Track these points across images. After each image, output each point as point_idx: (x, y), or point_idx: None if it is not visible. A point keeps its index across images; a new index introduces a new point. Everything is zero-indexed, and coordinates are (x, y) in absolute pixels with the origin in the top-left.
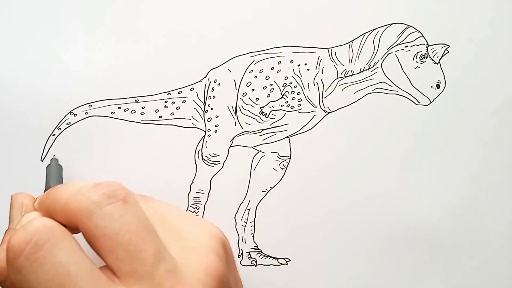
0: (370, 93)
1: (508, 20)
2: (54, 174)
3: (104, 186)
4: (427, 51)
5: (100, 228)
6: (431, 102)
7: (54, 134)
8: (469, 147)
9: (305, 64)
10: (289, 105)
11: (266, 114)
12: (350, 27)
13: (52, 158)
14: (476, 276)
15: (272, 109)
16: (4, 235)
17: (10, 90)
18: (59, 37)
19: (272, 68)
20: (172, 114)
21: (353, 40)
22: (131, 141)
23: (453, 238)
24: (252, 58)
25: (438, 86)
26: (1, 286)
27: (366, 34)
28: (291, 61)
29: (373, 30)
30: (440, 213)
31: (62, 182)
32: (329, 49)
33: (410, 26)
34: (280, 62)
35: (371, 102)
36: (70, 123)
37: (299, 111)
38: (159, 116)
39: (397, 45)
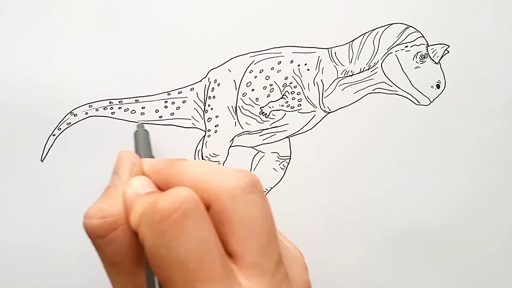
0: (370, 93)
1: (508, 20)
2: (143, 140)
3: (248, 174)
4: (427, 51)
5: (239, 212)
6: (431, 102)
7: (54, 134)
8: (469, 147)
9: (305, 64)
10: (289, 105)
11: (266, 114)
12: (350, 27)
13: (138, 124)
14: (476, 275)
15: (272, 109)
16: (106, 189)
17: (11, 90)
18: (59, 37)
19: (272, 68)
20: (172, 114)
21: (353, 40)
22: (131, 141)
23: (453, 238)
24: (252, 58)
25: (438, 86)
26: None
27: (366, 34)
28: (291, 61)
29: (373, 30)
30: (440, 212)
31: (150, 148)
32: (329, 49)
33: (410, 26)
34: (280, 62)
35: (371, 102)
36: (70, 123)
37: (299, 111)
38: (159, 116)
39: (397, 45)
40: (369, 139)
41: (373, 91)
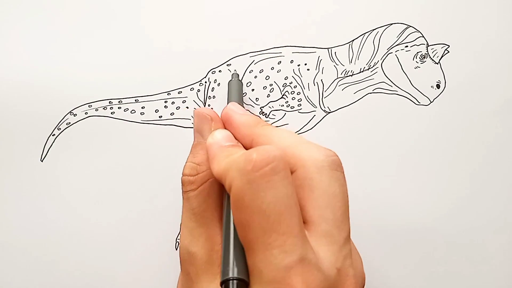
0: (370, 93)
1: (508, 20)
2: (235, 91)
3: (335, 154)
4: (427, 51)
5: (323, 183)
6: (431, 102)
7: (54, 134)
8: (469, 147)
9: (305, 64)
10: (289, 105)
11: (266, 114)
12: (350, 27)
13: (233, 73)
14: (476, 275)
15: (272, 109)
16: (193, 147)
17: (10, 90)
18: (59, 37)
19: (272, 68)
20: (172, 114)
21: (353, 40)
22: (131, 141)
23: (453, 238)
24: (252, 58)
25: (438, 86)
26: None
27: (366, 34)
28: (291, 61)
29: (373, 30)
30: (440, 212)
31: (242, 99)
32: (329, 49)
33: (410, 26)
34: (280, 62)
35: (371, 102)
36: (70, 123)
37: (299, 111)
38: (159, 116)
39: (397, 45)
40: (369, 139)
41: (373, 91)
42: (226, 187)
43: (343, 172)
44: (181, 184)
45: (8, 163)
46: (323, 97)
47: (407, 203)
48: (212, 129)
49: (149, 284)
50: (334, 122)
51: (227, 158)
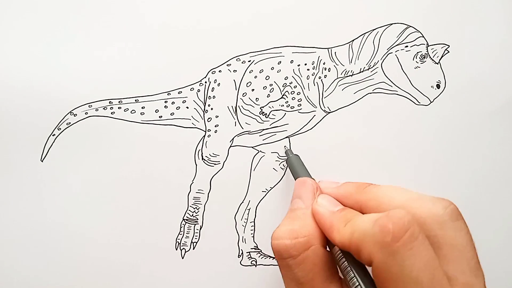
0: (370, 93)
1: (508, 20)
2: (299, 165)
3: (452, 202)
4: (427, 51)
5: (449, 238)
6: (431, 102)
7: (54, 134)
8: (468, 147)
9: (305, 64)
10: (289, 105)
11: (266, 114)
12: (350, 27)
13: (287, 150)
14: None
15: (272, 109)
16: (291, 211)
17: (10, 90)
18: (59, 37)
19: (272, 68)
20: (172, 114)
21: (353, 40)
22: (131, 141)
23: None
24: (252, 58)
25: (438, 86)
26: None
27: (366, 34)
28: (291, 61)
29: (373, 30)
30: None
31: (308, 171)
32: (329, 49)
33: (410, 26)
34: (280, 62)
35: (371, 102)
36: (70, 123)
37: (299, 111)
38: (159, 116)
39: (397, 45)
40: (369, 139)
41: (373, 91)
42: (363, 259)
43: (463, 219)
44: (272, 251)
45: (8, 163)
46: (323, 97)
47: None
48: (316, 196)
49: (149, 284)
50: (334, 122)
51: (350, 227)
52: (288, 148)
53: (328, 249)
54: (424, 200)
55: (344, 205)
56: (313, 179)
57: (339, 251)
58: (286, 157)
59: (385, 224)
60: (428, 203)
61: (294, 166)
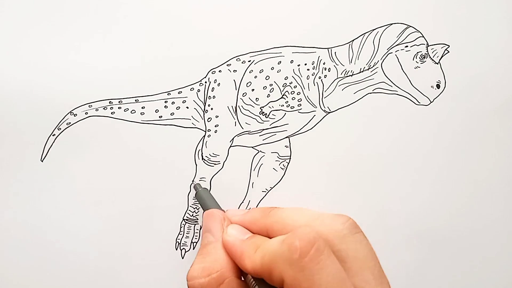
0: (370, 93)
1: (508, 20)
2: (208, 198)
3: (349, 217)
4: (427, 51)
5: (350, 250)
6: (431, 102)
7: (54, 134)
8: (469, 147)
9: (305, 64)
10: (289, 105)
11: (266, 114)
12: (350, 27)
13: (195, 185)
14: (476, 276)
15: (272, 109)
16: (202, 248)
17: (10, 90)
18: (59, 38)
19: (272, 68)
20: (172, 114)
21: (353, 40)
22: (131, 141)
23: (452, 237)
24: (252, 58)
25: (438, 86)
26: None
27: (366, 34)
28: (291, 61)
29: (373, 30)
30: (439, 211)
31: (217, 202)
32: (329, 49)
33: (410, 26)
34: (280, 62)
35: (371, 102)
36: (70, 123)
37: (299, 111)
38: (159, 116)
39: (397, 45)
40: (369, 139)
41: (373, 91)
42: (275, 280)
43: (362, 231)
44: None
45: (8, 163)
46: (323, 97)
47: (407, 202)
48: (224, 227)
49: (149, 284)
50: (334, 122)
51: (261, 252)
52: (197, 182)
53: (243, 278)
54: (324, 217)
55: (252, 231)
56: (222, 210)
57: (252, 279)
58: (196, 191)
59: (292, 242)
60: (328, 220)
61: (203, 199)
